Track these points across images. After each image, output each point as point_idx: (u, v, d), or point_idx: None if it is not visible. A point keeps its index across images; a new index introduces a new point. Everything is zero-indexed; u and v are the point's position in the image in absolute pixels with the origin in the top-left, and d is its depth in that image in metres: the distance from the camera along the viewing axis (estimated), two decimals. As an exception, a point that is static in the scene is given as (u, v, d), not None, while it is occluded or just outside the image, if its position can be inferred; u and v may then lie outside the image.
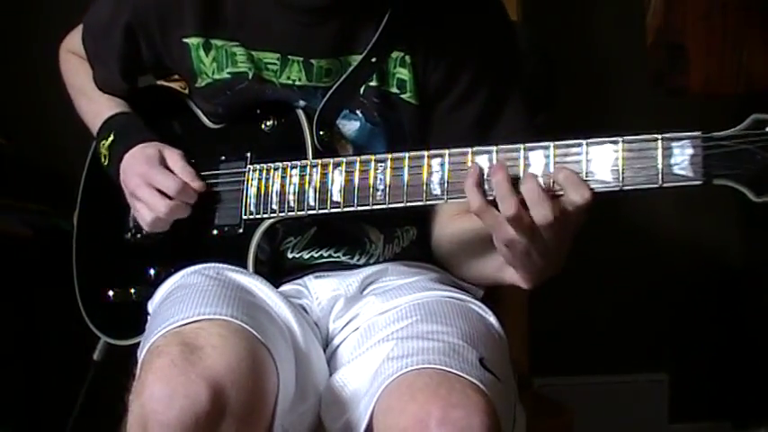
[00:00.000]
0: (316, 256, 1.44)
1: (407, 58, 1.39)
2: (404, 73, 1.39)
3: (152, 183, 1.41)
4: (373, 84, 1.39)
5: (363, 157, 1.29)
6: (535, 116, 1.46)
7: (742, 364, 2.96)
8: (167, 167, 1.43)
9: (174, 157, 1.44)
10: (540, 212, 1.11)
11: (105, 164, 1.51)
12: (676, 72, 2.88)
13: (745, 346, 2.96)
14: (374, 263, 1.46)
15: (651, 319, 2.94)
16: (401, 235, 1.48)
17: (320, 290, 1.42)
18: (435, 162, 1.22)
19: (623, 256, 2.88)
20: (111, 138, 1.51)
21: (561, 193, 1.12)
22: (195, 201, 1.42)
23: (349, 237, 1.44)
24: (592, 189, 1.11)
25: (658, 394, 2.94)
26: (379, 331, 1.32)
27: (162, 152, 1.44)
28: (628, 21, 2.89)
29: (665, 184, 1.07)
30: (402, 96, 1.40)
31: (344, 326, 1.42)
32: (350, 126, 1.42)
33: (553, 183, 1.13)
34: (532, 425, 1.43)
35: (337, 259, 1.44)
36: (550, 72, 2.10)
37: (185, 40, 1.43)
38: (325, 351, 1.39)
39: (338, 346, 1.40)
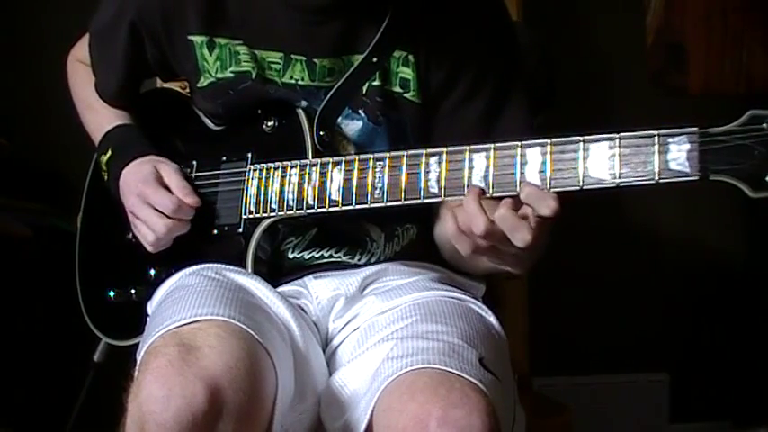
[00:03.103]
0: (316, 256, 1.44)
1: (410, 57, 1.39)
2: (407, 72, 1.39)
3: (149, 202, 1.41)
4: (376, 83, 1.39)
5: (362, 156, 1.29)
6: (535, 116, 1.46)
7: (742, 364, 2.96)
8: (164, 184, 1.43)
9: (169, 172, 1.44)
10: (519, 237, 1.12)
11: (105, 179, 1.52)
12: (676, 72, 2.88)
13: (745, 346, 2.96)
14: (375, 262, 1.45)
15: (651, 319, 2.94)
16: (402, 233, 1.48)
17: (320, 290, 1.42)
18: (433, 160, 1.22)
19: (624, 257, 2.88)
20: (109, 153, 1.51)
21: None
22: (193, 216, 1.42)
23: (350, 237, 1.44)
24: (556, 196, 1.11)
25: (658, 394, 2.94)
26: (379, 331, 1.32)
27: (158, 168, 1.44)
28: (628, 21, 2.88)
29: (661, 180, 1.07)
30: (405, 96, 1.40)
31: (344, 326, 1.42)
32: (352, 126, 1.42)
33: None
34: (532, 425, 1.43)
35: (338, 259, 1.44)
36: (550, 72, 2.10)
37: (190, 37, 1.43)
38: (324, 351, 1.39)
39: (338, 347, 1.40)
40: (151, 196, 1.41)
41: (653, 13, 2.86)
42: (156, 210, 1.41)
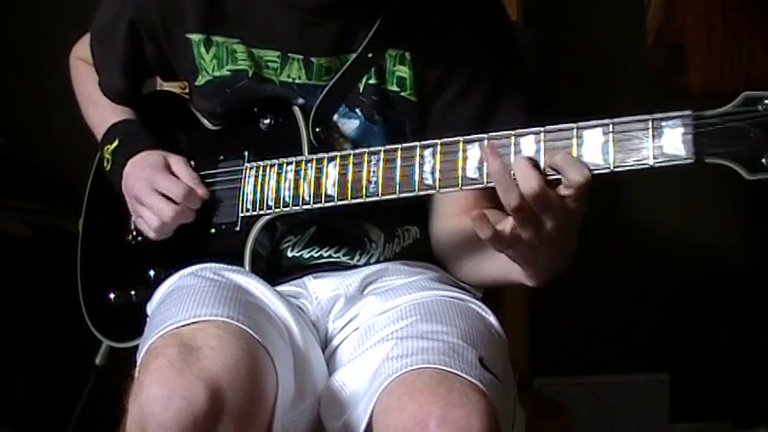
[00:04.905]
0: (315, 255, 1.44)
1: (407, 55, 1.39)
2: (403, 70, 1.39)
3: (157, 188, 1.41)
4: (372, 82, 1.39)
5: (357, 151, 1.29)
6: (534, 115, 1.45)
7: (742, 363, 2.96)
8: (172, 173, 1.43)
9: (177, 163, 1.45)
10: (527, 184, 1.09)
11: (108, 168, 1.52)
12: (676, 72, 2.88)
13: (745, 346, 2.97)
14: (374, 262, 1.45)
15: (651, 319, 2.94)
16: (402, 234, 1.48)
17: (319, 290, 1.42)
18: (427, 152, 1.22)
19: (624, 256, 2.89)
20: (115, 143, 1.51)
21: (558, 176, 1.11)
22: (200, 206, 1.43)
23: (349, 237, 1.44)
24: (590, 168, 1.10)
25: (658, 394, 2.94)
26: (379, 331, 1.32)
27: (166, 158, 1.45)
28: (628, 21, 2.89)
29: (656, 164, 1.06)
30: (402, 94, 1.40)
31: (344, 326, 1.41)
32: (350, 125, 1.42)
33: (547, 167, 1.11)
34: (532, 425, 1.43)
35: (337, 260, 1.44)
36: (550, 71, 2.10)
37: (187, 35, 1.43)
38: (324, 351, 1.39)
39: (338, 347, 1.40)
40: (160, 182, 1.41)
41: (653, 13, 2.87)
42: (164, 196, 1.41)
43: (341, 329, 1.41)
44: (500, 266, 1.30)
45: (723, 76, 2.85)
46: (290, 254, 1.43)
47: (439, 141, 1.21)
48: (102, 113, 1.58)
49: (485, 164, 1.16)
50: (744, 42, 2.85)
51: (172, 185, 1.41)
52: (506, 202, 1.12)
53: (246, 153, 1.43)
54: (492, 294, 1.51)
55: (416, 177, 1.22)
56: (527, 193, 1.10)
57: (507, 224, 1.15)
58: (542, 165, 1.12)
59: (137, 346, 1.30)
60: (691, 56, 2.85)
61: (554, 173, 1.12)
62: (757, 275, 2.95)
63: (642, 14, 2.86)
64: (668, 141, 1.05)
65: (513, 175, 1.12)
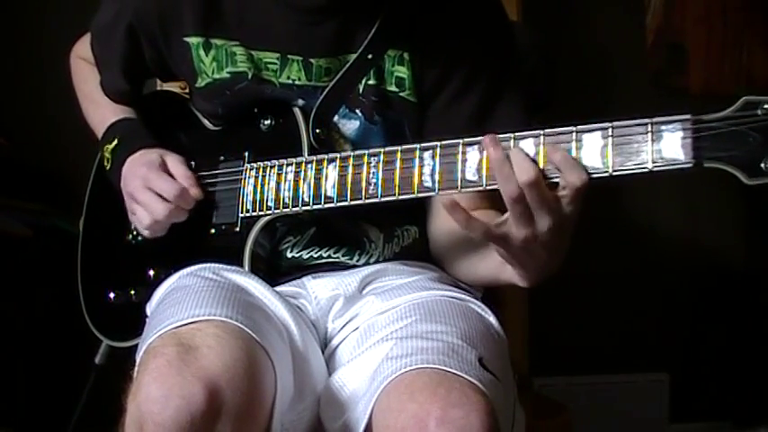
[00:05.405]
0: (315, 256, 1.44)
1: (406, 55, 1.39)
2: (402, 71, 1.39)
3: (151, 186, 1.42)
4: (371, 82, 1.39)
5: (357, 153, 1.29)
6: (534, 115, 1.45)
7: (742, 363, 2.96)
8: (168, 172, 1.43)
9: (174, 162, 1.45)
10: (524, 174, 1.10)
11: (108, 167, 1.52)
12: (676, 72, 2.89)
13: (745, 346, 2.97)
14: (374, 262, 1.45)
15: (652, 319, 2.94)
16: (401, 234, 1.48)
17: (319, 289, 1.42)
18: (426, 155, 1.22)
19: (624, 257, 2.89)
20: (115, 142, 1.52)
21: (557, 179, 1.12)
22: (193, 207, 1.43)
23: (348, 237, 1.44)
24: (588, 172, 1.10)
25: (658, 394, 2.94)
26: (379, 331, 1.32)
27: (163, 157, 1.45)
28: (628, 21, 2.89)
29: (655, 168, 1.06)
30: (401, 95, 1.40)
31: (344, 326, 1.41)
32: (350, 125, 1.42)
33: (547, 166, 1.12)
34: (532, 425, 1.43)
35: (336, 260, 1.44)
36: (550, 72, 2.10)
37: (186, 39, 1.43)
38: (323, 351, 1.39)
39: (337, 347, 1.40)
40: (154, 180, 1.42)
41: (653, 13, 2.87)
42: (158, 195, 1.41)
43: (340, 329, 1.41)
44: (492, 267, 1.30)
45: (723, 76, 2.85)
46: (289, 254, 1.43)
47: (438, 143, 1.21)
48: (102, 112, 1.59)
49: (484, 154, 1.16)
50: (744, 42, 2.85)
51: (165, 184, 1.41)
52: (505, 191, 1.12)
53: (247, 154, 1.43)
54: (492, 294, 1.51)
55: (416, 179, 1.22)
56: (524, 181, 1.11)
57: (501, 220, 1.15)
58: (541, 165, 1.12)
59: (137, 346, 1.30)
60: (691, 56, 2.85)
61: (554, 173, 1.12)
62: (757, 275, 2.95)
63: (642, 14, 2.86)
64: (667, 145, 1.05)
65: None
